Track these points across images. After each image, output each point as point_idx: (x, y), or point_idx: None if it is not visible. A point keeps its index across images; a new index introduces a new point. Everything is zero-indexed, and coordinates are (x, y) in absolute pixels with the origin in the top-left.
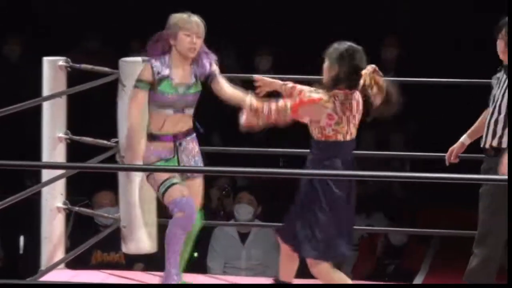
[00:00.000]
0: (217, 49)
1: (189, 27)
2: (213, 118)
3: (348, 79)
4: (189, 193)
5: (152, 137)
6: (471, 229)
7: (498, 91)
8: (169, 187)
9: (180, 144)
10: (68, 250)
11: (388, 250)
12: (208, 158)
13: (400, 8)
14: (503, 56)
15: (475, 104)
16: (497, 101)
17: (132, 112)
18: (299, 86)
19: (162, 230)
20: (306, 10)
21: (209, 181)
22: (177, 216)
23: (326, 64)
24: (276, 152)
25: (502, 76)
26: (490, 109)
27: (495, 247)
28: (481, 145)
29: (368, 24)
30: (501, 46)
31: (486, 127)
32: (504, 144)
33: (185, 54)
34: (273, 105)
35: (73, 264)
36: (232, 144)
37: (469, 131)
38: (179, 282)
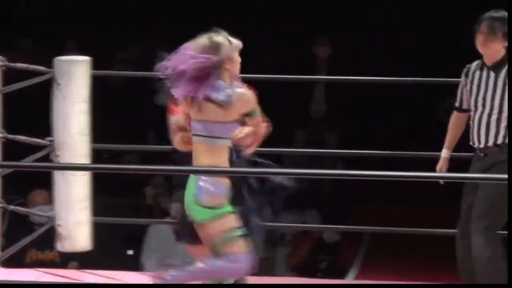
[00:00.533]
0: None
1: (238, 48)
2: (148, 118)
3: None
4: None
5: None
6: (402, 226)
7: (486, 92)
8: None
9: None
10: (2, 248)
11: (320, 247)
12: (144, 157)
13: (332, 9)
14: (483, 49)
15: (406, 102)
16: (491, 101)
17: None
18: None
19: (95, 228)
20: (239, 11)
21: (144, 179)
22: (235, 266)
23: None
24: None
25: (484, 74)
26: (480, 110)
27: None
28: (479, 146)
29: (300, 24)
30: (480, 39)
31: (485, 127)
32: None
33: (236, 75)
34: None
35: (8, 262)
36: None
37: (446, 144)
38: None
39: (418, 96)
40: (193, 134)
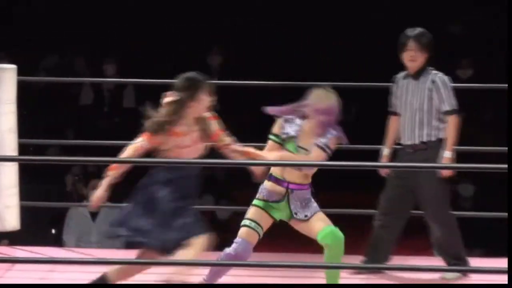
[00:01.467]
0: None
1: None
2: (67, 116)
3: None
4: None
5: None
6: None
7: (411, 97)
8: (243, 225)
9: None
10: None
11: (215, 225)
12: (64, 150)
13: (226, 20)
14: (411, 63)
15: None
16: (416, 104)
17: None
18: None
19: (24, 211)
20: (148, 24)
21: (65, 168)
22: (230, 252)
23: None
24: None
25: (406, 82)
26: (408, 113)
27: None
28: (408, 143)
29: (193, 34)
30: (409, 55)
31: (410, 127)
32: (433, 137)
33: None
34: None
35: None
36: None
37: (387, 143)
38: None
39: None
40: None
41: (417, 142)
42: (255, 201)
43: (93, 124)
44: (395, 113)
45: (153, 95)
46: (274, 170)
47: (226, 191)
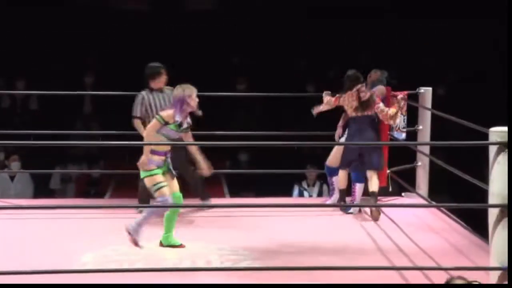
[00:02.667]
0: None
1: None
2: None
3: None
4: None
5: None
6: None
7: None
8: (161, 187)
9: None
10: None
11: (90, 182)
12: None
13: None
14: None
15: None
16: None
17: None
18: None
19: None
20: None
21: None
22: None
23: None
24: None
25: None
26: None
27: None
28: None
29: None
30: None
31: None
32: None
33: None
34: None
35: None
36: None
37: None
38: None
39: None
40: None
41: None
42: (155, 171)
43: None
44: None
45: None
46: (158, 147)
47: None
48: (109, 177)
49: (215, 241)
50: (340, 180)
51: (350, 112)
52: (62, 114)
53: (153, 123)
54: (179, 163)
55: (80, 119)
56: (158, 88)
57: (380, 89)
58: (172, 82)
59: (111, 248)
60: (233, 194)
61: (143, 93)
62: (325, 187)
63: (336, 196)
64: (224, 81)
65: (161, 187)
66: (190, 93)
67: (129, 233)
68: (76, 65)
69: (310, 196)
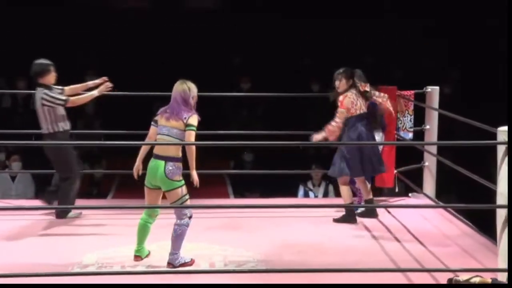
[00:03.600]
0: None
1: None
2: None
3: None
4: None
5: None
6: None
7: None
8: (187, 199)
9: None
10: None
11: (92, 182)
12: None
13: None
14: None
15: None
16: None
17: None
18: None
19: None
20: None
21: None
22: (187, 220)
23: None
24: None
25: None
26: None
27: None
28: None
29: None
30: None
31: None
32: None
33: None
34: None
35: None
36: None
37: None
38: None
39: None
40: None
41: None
42: (182, 181)
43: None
44: None
45: None
46: (179, 154)
47: (99, 160)
48: (112, 177)
49: (218, 242)
50: (343, 195)
51: (355, 111)
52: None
53: (192, 134)
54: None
55: (82, 118)
56: (46, 85)
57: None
58: (173, 82)
59: (113, 250)
60: (238, 194)
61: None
62: (330, 187)
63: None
64: (226, 81)
65: (187, 199)
66: (195, 95)
67: (174, 266)
68: (77, 64)
69: (316, 196)
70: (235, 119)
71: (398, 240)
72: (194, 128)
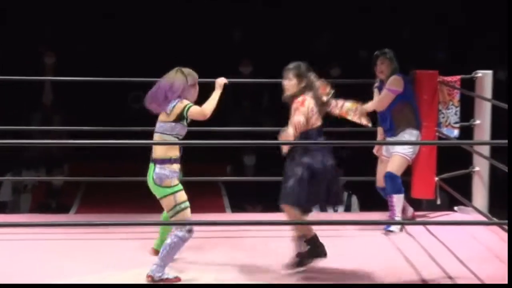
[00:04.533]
0: None
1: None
2: None
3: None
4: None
5: (173, 161)
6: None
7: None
8: (187, 207)
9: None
10: None
11: (50, 192)
12: None
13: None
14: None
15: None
16: None
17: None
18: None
19: None
20: None
21: None
22: (184, 233)
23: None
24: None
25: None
26: None
27: None
28: None
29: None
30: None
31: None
32: None
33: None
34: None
35: None
36: None
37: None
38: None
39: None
40: None
41: None
42: (177, 187)
43: None
44: None
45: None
46: (175, 153)
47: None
48: (75, 186)
49: (212, 267)
50: (298, 227)
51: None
52: (15, 105)
53: (194, 111)
54: None
55: (39, 111)
56: None
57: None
58: (153, 64)
59: (76, 279)
60: (235, 208)
61: None
62: (354, 199)
63: (396, 217)
64: (222, 64)
65: (187, 207)
66: (193, 82)
67: (153, 280)
68: (32, 41)
69: (335, 211)
70: (233, 112)
71: (440, 266)
72: (191, 104)
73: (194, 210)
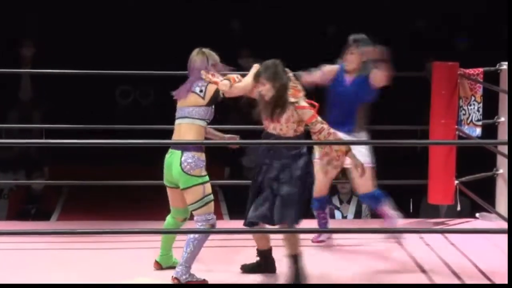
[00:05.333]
0: None
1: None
2: None
3: None
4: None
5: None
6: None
7: None
8: (211, 201)
9: None
10: None
11: (29, 197)
12: None
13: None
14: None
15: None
16: None
17: None
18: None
19: None
20: None
21: None
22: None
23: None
24: None
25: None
26: None
27: None
28: None
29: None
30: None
31: None
32: None
33: None
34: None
35: None
36: None
37: None
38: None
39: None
40: None
41: None
42: (206, 177)
43: None
44: None
45: None
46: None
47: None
48: (57, 190)
49: (210, 277)
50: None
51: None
52: None
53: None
54: None
55: (16, 107)
56: None
57: None
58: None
59: None
60: (234, 214)
61: None
62: (364, 204)
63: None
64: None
65: (211, 200)
66: (214, 62)
67: (179, 281)
68: (8, 31)
69: (344, 217)
70: (231, 108)
71: (458, 277)
72: (226, 81)
73: (190, 216)
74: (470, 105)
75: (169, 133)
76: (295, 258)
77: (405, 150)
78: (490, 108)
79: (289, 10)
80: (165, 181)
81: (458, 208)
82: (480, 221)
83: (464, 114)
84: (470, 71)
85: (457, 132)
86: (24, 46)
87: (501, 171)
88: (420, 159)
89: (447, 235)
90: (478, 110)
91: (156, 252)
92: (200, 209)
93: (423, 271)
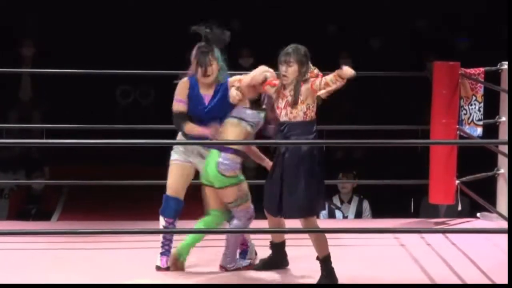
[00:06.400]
0: None
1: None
2: None
3: None
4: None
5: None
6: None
7: None
8: (248, 199)
9: None
10: None
11: (30, 198)
12: None
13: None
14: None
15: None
16: None
17: None
18: None
19: None
20: None
21: None
22: (245, 223)
23: None
24: None
25: None
26: None
27: None
28: None
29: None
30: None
31: None
32: None
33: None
34: None
35: None
36: None
37: None
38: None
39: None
40: None
41: None
42: (240, 177)
43: None
44: None
45: None
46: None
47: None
48: (57, 190)
49: (209, 278)
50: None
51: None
52: None
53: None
54: None
55: (16, 107)
56: None
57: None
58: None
59: None
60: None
61: None
62: (365, 204)
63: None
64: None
65: (248, 199)
66: None
67: (227, 270)
68: (9, 31)
69: (345, 217)
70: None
71: (459, 277)
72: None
73: (190, 216)
74: (471, 105)
75: (169, 133)
76: (326, 259)
77: (406, 150)
78: (491, 108)
79: (289, 10)
80: (202, 178)
81: (459, 208)
82: (480, 221)
83: (465, 114)
84: (471, 70)
85: (458, 132)
86: (24, 46)
87: (502, 171)
88: (421, 159)
89: (448, 235)
90: (479, 110)
91: (156, 252)
92: (237, 207)
93: (423, 271)
